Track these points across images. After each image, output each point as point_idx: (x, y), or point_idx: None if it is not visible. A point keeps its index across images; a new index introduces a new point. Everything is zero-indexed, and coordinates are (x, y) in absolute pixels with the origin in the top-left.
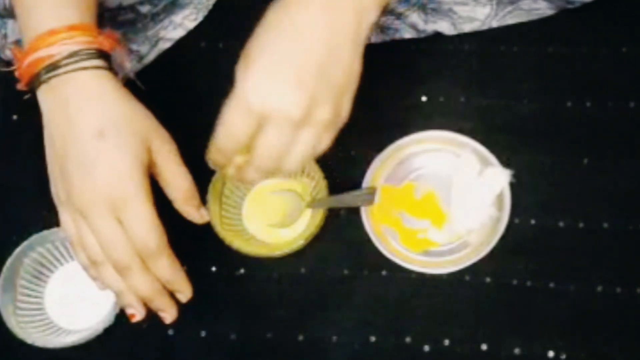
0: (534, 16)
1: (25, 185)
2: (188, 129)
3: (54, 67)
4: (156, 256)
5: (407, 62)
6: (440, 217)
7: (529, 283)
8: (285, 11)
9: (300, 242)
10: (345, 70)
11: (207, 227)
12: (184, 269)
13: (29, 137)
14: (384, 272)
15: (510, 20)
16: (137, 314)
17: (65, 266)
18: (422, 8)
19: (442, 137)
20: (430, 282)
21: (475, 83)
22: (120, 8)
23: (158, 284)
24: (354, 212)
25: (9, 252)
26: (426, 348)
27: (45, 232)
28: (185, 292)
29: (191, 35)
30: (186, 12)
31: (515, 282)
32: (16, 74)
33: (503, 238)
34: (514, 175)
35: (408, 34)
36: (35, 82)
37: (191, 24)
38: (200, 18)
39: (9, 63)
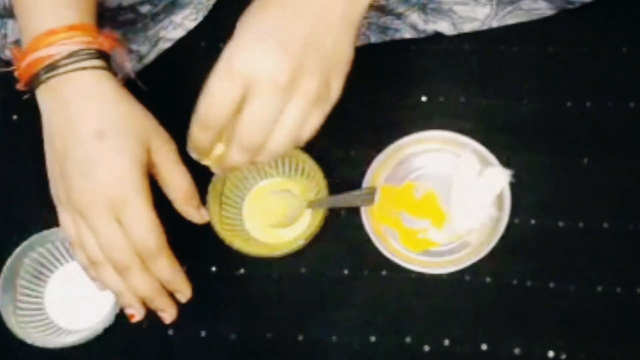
0: (534, 16)
1: (25, 185)
2: (188, 129)
3: (53, 67)
4: (156, 256)
5: (407, 62)
6: (440, 217)
7: (529, 283)
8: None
9: (300, 242)
10: (334, 45)
11: (207, 227)
12: (184, 269)
13: (29, 137)
14: (384, 272)
15: (510, 20)
16: (136, 314)
17: (65, 266)
18: (422, 8)
19: (442, 137)
20: (430, 282)
21: (475, 83)
22: (120, 8)
23: (157, 284)
24: (354, 212)
25: (9, 252)
26: (426, 348)
27: (45, 232)
28: (184, 293)
29: (191, 35)
30: (186, 12)
31: (515, 282)
32: (15, 74)
33: (503, 238)
34: (514, 175)
35: (408, 34)
36: (34, 82)
37: (191, 24)
38: (200, 18)
39: (8, 63)
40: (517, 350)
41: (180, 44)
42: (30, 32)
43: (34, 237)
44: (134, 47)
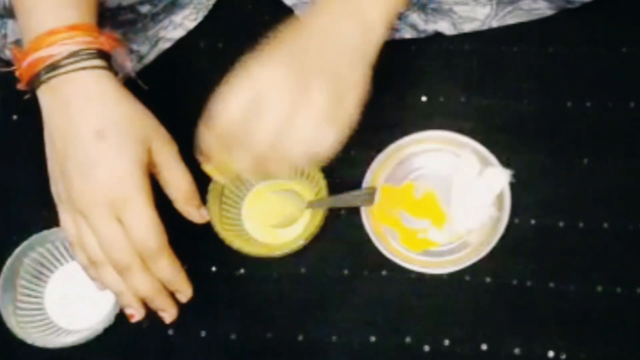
0: (534, 16)
1: (25, 185)
2: (188, 129)
3: (54, 67)
4: (156, 256)
5: (407, 62)
6: (440, 217)
7: (529, 283)
8: (292, 24)
9: (300, 242)
10: (346, 72)
11: (207, 227)
12: (184, 268)
13: (29, 137)
14: (384, 272)
15: (510, 20)
16: (136, 314)
17: (65, 266)
18: (422, 8)
19: (442, 137)
20: (430, 282)
21: (475, 83)
22: (120, 8)
23: (158, 284)
24: (354, 212)
25: (9, 252)
26: (426, 348)
27: (45, 232)
28: (185, 292)
29: (191, 35)
30: (186, 12)
31: (515, 282)
32: (16, 74)
33: (503, 238)
34: (514, 175)
35: (408, 34)
36: (35, 82)
37: (191, 24)
38: (200, 18)
39: (8, 63)
40: (517, 350)
41: (180, 44)
42: (31, 32)
43: (34, 237)
44: (134, 47)
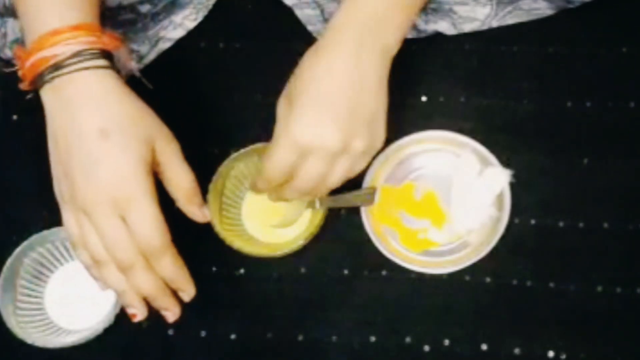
0: (533, 16)
1: (25, 185)
2: (188, 129)
3: (57, 67)
4: (160, 254)
5: (407, 62)
6: (440, 217)
7: (529, 283)
8: (318, 56)
9: (300, 242)
10: (374, 104)
11: (207, 227)
12: None
13: (29, 137)
14: (384, 272)
15: (510, 20)
16: (138, 313)
17: (65, 266)
18: (422, 8)
19: (442, 137)
20: (430, 282)
21: (475, 83)
22: (120, 8)
23: (161, 282)
24: (354, 212)
25: (9, 252)
26: (426, 348)
27: (45, 232)
28: (188, 291)
29: (191, 35)
30: (186, 12)
31: (515, 282)
32: (19, 73)
33: (503, 238)
34: (514, 175)
35: (408, 34)
36: (38, 81)
37: (191, 24)
38: (200, 18)
39: (8, 62)
40: (517, 350)
41: (180, 44)
42: (34, 32)
43: (34, 237)
44: (134, 47)
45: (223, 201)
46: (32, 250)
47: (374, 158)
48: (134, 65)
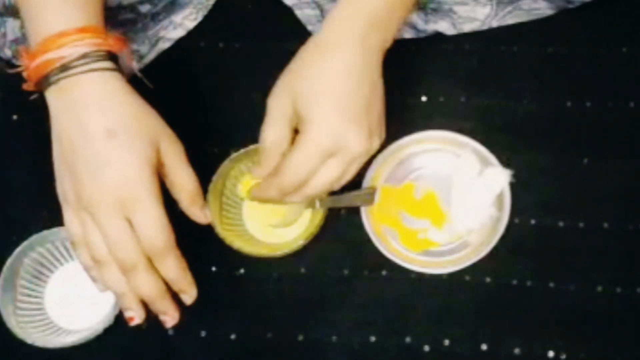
0: (533, 16)
1: (25, 185)
2: (188, 129)
3: (64, 68)
4: (164, 255)
5: (407, 62)
6: (440, 217)
7: (529, 283)
8: (324, 53)
9: (300, 242)
10: (380, 100)
11: (208, 227)
12: None
13: (29, 137)
14: (384, 272)
15: (510, 20)
16: (136, 317)
17: (65, 266)
18: (422, 8)
19: (442, 137)
20: (430, 282)
21: (475, 83)
22: (120, 7)
23: (162, 285)
24: (354, 212)
25: (9, 252)
26: (426, 348)
27: (45, 232)
28: (190, 293)
29: (191, 35)
30: (186, 12)
31: (515, 282)
32: (24, 74)
33: (503, 238)
34: (514, 175)
35: (408, 34)
36: (44, 83)
37: (191, 24)
38: (200, 18)
39: (8, 62)
40: (517, 350)
41: (180, 44)
42: (38, 34)
43: (34, 237)
44: (134, 47)
45: (223, 201)
46: (32, 250)
47: (373, 157)
48: (135, 66)
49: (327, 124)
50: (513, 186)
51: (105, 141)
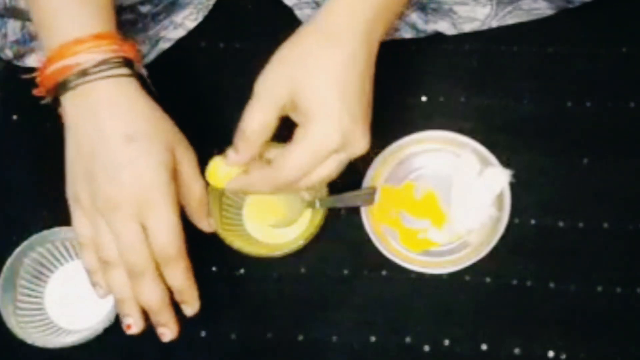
0: (533, 16)
1: (25, 185)
2: (188, 129)
3: (82, 74)
4: (174, 262)
5: (407, 62)
6: (440, 217)
7: (529, 283)
8: (329, 43)
9: (300, 242)
10: (371, 88)
11: None
12: None
13: (29, 137)
14: (384, 272)
15: (510, 20)
16: (134, 325)
17: (65, 266)
18: (422, 8)
19: (442, 137)
20: (430, 282)
21: (475, 83)
22: (121, 8)
23: (167, 296)
24: (354, 212)
25: (9, 252)
26: (426, 348)
27: (45, 232)
28: (193, 304)
29: (191, 35)
30: (186, 12)
31: (515, 282)
32: (37, 80)
33: (503, 238)
34: (514, 175)
35: (408, 34)
36: (60, 88)
37: (191, 24)
38: (200, 18)
39: (8, 63)
40: (517, 350)
41: (180, 44)
42: (53, 41)
43: (34, 237)
44: None
45: (223, 201)
46: (32, 250)
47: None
48: (144, 71)
49: (338, 122)
50: (513, 186)
51: (124, 146)
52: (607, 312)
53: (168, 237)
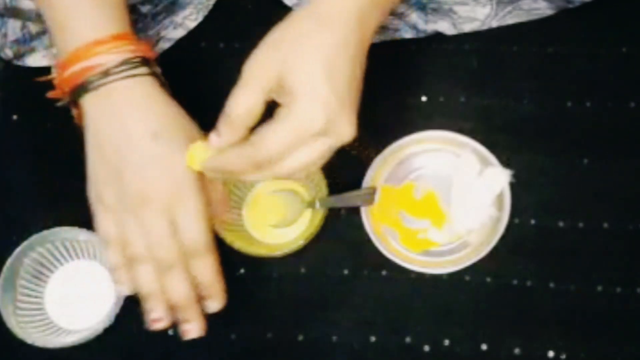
0: (533, 16)
1: (25, 185)
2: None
3: (104, 75)
4: (203, 255)
5: (407, 62)
6: (440, 217)
7: (529, 283)
8: (321, 26)
9: (300, 242)
10: (362, 74)
11: None
12: None
13: (29, 137)
14: (384, 272)
15: (510, 20)
16: (161, 319)
17: (65, 266)
18: (422, 8)
19: (442, 137)
20: (430, 282)
21: (475, 83)
22: None
23: (194, 292)
24: (354, 212)
25: (9, 252)
26: (426, 348)
27: (45, 232)
28: (219, 299)
29: (191, 35)
30: (186, 12)
31: (515, 282)
32: (55, 82)
33: (503, 238)
34: (514, 175)
35: (408, 34)
36: (80, 90)
37: (191, 24)
38: (200, 18)
39: (8, 63)
40: (517, 350)
41: (180, 44)
42: (71, 42)
43: (34, 237)
44: None
45: None
46: (32, 250)
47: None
48: (158, 70)
49: (322, 101)
50: (513, 186)
51: (151, 143)
52: (607, 312)
53: (198, 230)
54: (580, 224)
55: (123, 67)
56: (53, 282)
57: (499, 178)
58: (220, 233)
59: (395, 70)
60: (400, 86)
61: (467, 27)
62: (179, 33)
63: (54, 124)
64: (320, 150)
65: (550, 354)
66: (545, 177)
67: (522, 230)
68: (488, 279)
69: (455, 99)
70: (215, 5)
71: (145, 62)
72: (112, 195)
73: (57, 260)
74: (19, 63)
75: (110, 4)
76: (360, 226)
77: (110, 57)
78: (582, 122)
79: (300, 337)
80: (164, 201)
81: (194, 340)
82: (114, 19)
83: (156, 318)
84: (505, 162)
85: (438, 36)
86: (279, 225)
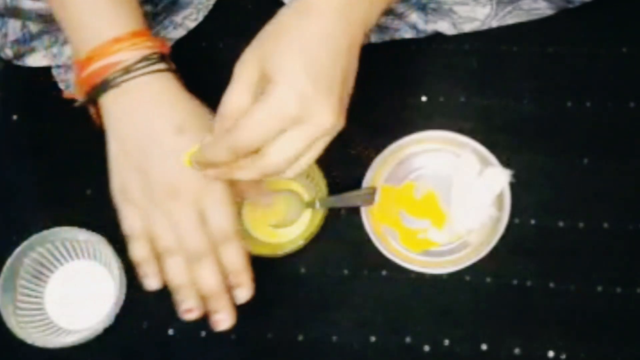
0: (533, 16)
1: (25, 185)
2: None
3: (126, 71)
4: (232, 243)
5: (407, 62)
6: (440, 217)
7: (529, 283)
8: (301, 18)
9: (300, 242)
10: (353, 81)
11: None
12: None
13: (29, 137)
14: (384, 272)
15: (510, 20)
16: (194, 309)
17: (65, 266)
18: (422, 8)
19: (442, 137)
20: (430, 282)
21: (475, 83)
22: None
23: (224, 282)
24: (354, 212)
25: (9, 252)
26: (426, 348)
27: (45, 232)
28: (248, 287)
29: (191, 35)
30: (186, 12)
31: (515, 282)
32: (75, 81)
33: (503, 238)
34: (514, 175)
35: (408, 34)
36: (100, 87)
37: (191, 24)
38: (200, 18)
39: (9, 63)
40: (517, 350)
41: (180, 44)
42: (89, 41)
43: (34, 237)
44: None
45: None
46: (32, 250)
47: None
48: (173, 65)
49: (296, 86)
50: (513, 186)
51: (176, 136)
52: (607, 312)
53: (227, 218)
54: (580, 224)
55: (143, 64)
56: (53, 282)
57: (499, 178)
58: None
59: (395, 70)
60: (400, 86)
61: (467, 27)
62: (179, 33)
63: (54, 124)
64: (302, 139)
65: (550, 354)
66: (545, 177)
67: (522, 230)
68: (488, 279)
69: (455, 99)
70: (215, 5)
71: (162, 57)
72: (137, 190)
73: (57, 260)
74: (19, 63)
75: (125, 2)
76: (360, 226)
77: (130, 54)
78: (582, 122)
79: (300, 337)
80: (191, 193)
81: (193, 341)
82: (131, 16)
83: (188, 308)
84: (505, 162)
85: (438, 36)
86: (279, 225)
